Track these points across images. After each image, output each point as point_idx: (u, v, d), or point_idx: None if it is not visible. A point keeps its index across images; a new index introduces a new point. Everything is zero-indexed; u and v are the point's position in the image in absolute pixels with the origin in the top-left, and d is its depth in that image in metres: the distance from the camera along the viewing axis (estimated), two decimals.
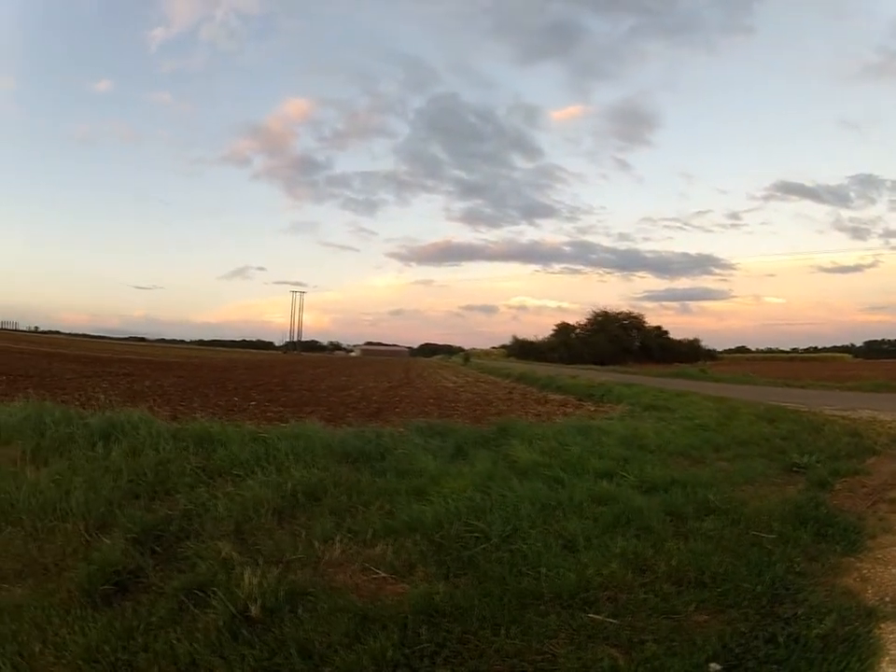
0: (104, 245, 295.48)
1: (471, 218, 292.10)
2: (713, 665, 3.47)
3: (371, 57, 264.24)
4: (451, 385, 34.59)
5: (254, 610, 4.01)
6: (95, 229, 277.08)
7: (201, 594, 4.29)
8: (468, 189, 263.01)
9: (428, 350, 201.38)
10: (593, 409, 19.56)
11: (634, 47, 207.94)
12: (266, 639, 3.73)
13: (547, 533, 5.62)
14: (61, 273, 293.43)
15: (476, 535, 5.52)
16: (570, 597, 4.39)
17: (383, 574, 4.80)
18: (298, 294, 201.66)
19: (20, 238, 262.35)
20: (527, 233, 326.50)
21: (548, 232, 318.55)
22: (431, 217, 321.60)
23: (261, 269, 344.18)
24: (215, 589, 4.26)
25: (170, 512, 5.99)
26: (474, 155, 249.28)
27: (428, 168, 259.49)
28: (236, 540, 5.32)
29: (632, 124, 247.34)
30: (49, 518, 5.84)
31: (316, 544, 5.27)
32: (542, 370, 49.31)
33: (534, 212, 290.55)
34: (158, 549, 5.18)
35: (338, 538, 5.35)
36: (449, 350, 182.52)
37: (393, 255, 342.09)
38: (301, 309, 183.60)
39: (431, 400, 21.67)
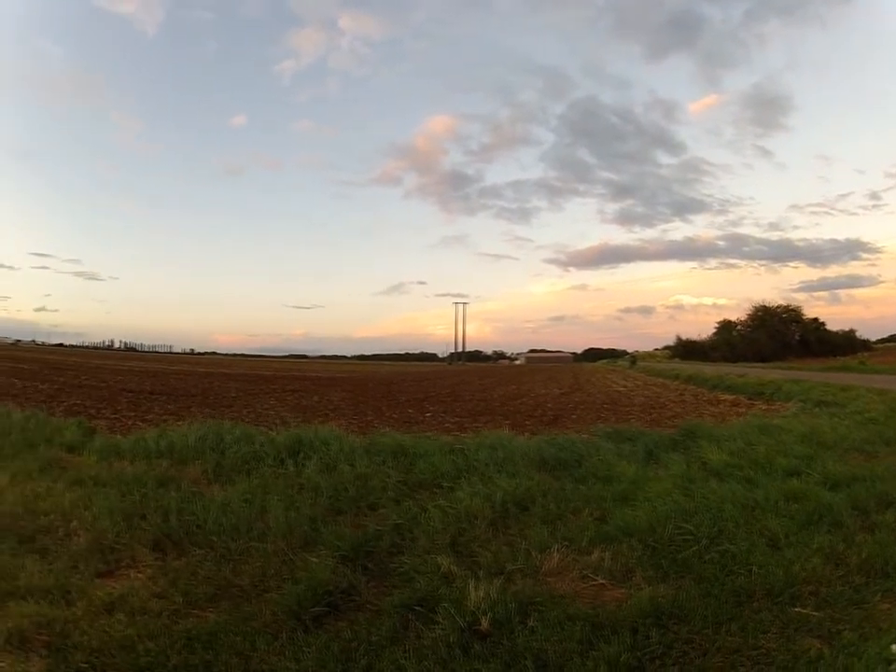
0: (259, 270, 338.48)
1: (625, 219, 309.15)
2: (894, 647, 3.75)
3: (506, 69, 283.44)
4: (622, 389, 35.84)
5: (484, 623, 4.11)
6: (249, 254, 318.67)
7: (421, 609, 4.43)
8: (619, 190, 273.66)
9: (592, 355, 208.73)
10: (765, 407, 20.50)
11: (752, 30, 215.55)
12: (499, 652, 3.87)
13: (751, 532, 6.03)
14: (216, 297, 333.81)
15: (685, 537, 5.86)
16: (779, 593, 4.73)
17: (601, 581, 5.06)
18: (460, 305, 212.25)
19: (174, 266, 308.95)
20: (681, 230, 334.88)
21: (701, 228, 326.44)
22: (586, 221, 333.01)
23: (422, 283, 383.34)
24: (438, 604, 4.42)
25: (379, 528, 6.22)
26: (620, 155, 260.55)
27: (578, 172, 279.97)
28: (452, 553, 5.53)
29: (766, 109, 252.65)
30: (244, 538, 6.15)
31: (534, 553, 5.49)
32: (710, 370, 50.89)
33: (685, 208, 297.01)
34: (369, 566, 5.42)
35: (555, 546, 5.61)
36: (612, 354, 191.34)
37: (551, 261, 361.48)
38: (463, 320, 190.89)
39: (606, 405, 22.55)
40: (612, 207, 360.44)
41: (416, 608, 4.48)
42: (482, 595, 4.41)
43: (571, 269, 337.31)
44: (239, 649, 4.10)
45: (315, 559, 5.52)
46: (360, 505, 7.19)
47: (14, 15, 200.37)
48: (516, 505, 6.87)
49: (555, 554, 5.45)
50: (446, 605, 4.38)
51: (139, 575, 5.58)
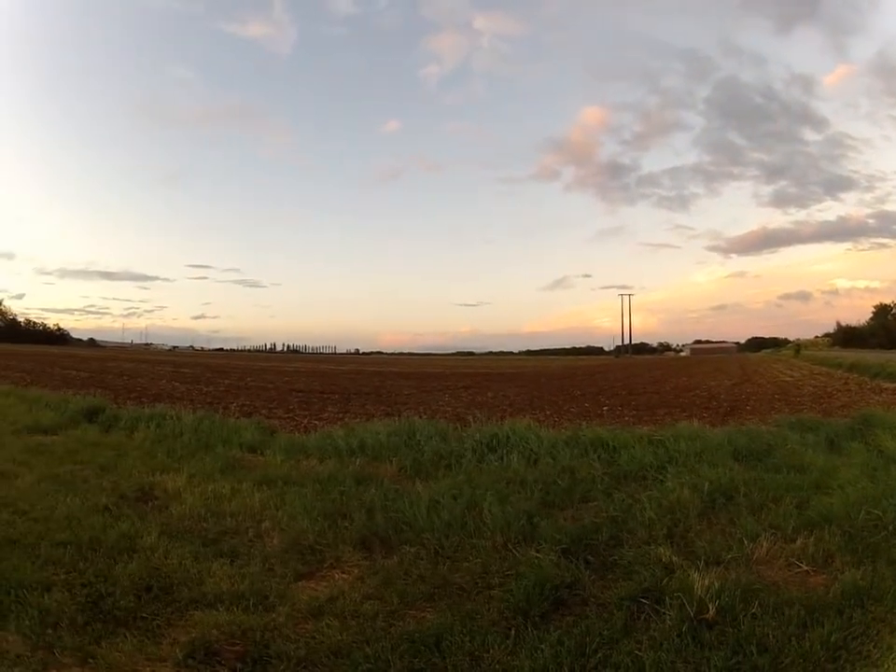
0: (422, 269, 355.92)
1: (780, 201, 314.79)
2: None
3: (647, 55, 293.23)
4: (789, 379, 36.96)
5: (711, 612, 4.34)
6: (413, 255, 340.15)
7: (646, 601, 4.62)
8: (771, 171, 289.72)
9: (755, 344, 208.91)
10: None
11: None
12: (725, 639, 4.10)
13: None
14: (380, 298, 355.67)
15: (874, 522, 6.19)
16: None
17: (805, 567, 5.40)
18: (625, 297, 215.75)
19: (336, 269, 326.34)
20: (833, 209, 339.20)
21: (851, 206, 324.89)
22: (743, 205, 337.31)
23: (587, 276, 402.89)
24: (663, 595, 4.64)
25: (595, 520, 6.44)
26: (769, 135, 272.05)
27: (730, 155, 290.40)
28: (669, 544, 5.75)
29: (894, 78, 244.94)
30: (457, 535, 6.31)
31: (745, 542, 5.73)
32: (871, 357, 51.90)
33: (835, 186, 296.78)
34: (590, 559, 5.59)
35: (762, 535, 5.91)
36: (774, 343, 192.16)
37: (712, 248, 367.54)
38: (629, 311, 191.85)
39: (777, 396, 23.52)
40: (766, 190, 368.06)
41: (641, 599, 4.65)
42: (706, 584, 4.61)
43: (732, 255, 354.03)
44: (468, 649, 4.14)
45: (537, 554, 5.60)
46: (572, 498, 7.39)
47: (149, 45, 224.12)
48: (722, 494, 7.12)
49: (764, 543, 5.73)
50: (673, 595, 4.56)
51: (344, 576, 5.65)
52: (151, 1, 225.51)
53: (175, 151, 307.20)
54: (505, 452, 9.48)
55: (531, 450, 9.49)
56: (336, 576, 5.68)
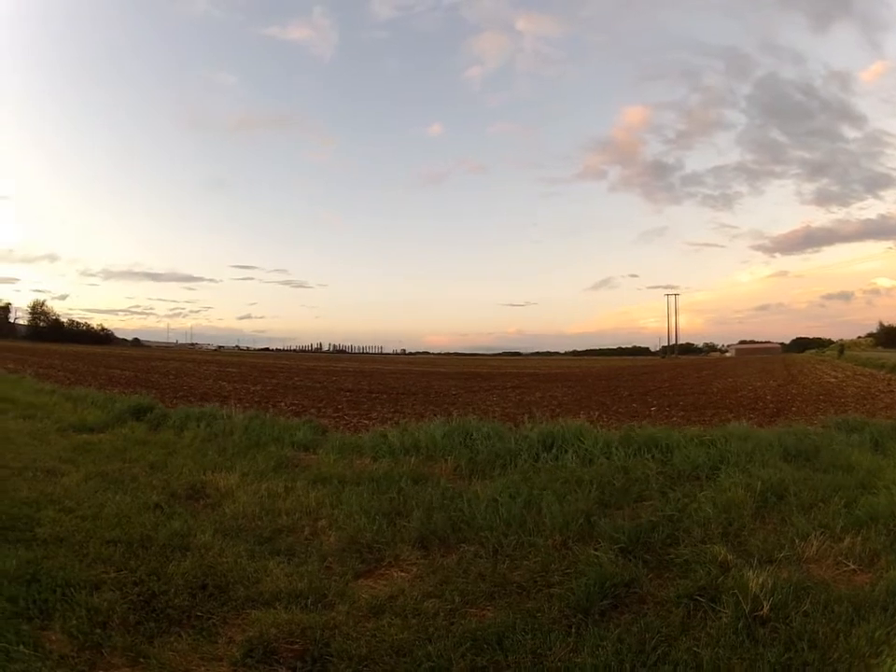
0: (468, 270, 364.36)
1: (822, 199, 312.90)
2: None
3: (687, 53, 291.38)
4: (833, 380, 37.41)
5: (765, 609, 4.49)
6: (458, 256, 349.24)
7: (702, 599, 4.76)
8: (813, 170, 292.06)
9: (799, 345, 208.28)
10: None
11: None
12: (778, 636, 4.24)
13: None
14: (427, 299, 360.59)
15: None
16: None
17: (852, 566, 5.58)
18: (671, 297, 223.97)
19: (383, 270, 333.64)
20: (874, 207, 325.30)
21: (892, 203, 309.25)
22: (786, 204, 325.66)
23: (633, 276, 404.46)
24: (719, 593, 4.81)
25: (652, 519, 6.56)
26: (809, 133, 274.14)
27: (773, 153, 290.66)
28: (724, 542, 5.89)
29: None
30: (516, 533, 6.39)
31: (796, 541, 5.92)
32: None
33: (875, 183, 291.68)
34: (647, 557, 5.75)
35: (812, 534, 6.08)
36: (818, 343, 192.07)
37: (756, 247, 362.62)
38: (675, 312, 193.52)
39: (821, 397, 24.07)
40: (809, 188, 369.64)
41: (698, 597, 4.79)
42: (760, 582, 4.75)
43: (776, 255, 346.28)
44: (530, 647, 4.20)
45: (596, 552, 5.74)
46: (628, 497, 7.54)
47: (191, 52, 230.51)
48: (773, 494, 7.28)
49: (814, 542, 5.90)
50: (729, 593, 4.72)
51: (403, 574, 5.70)
52: (192, 9, 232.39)
53: (221, 156, 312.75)
54: (560, 451, 9.65)
55: (585, 449, 9.65)
56: (395, 574, 5.73)
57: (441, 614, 4.78)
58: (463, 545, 6.25)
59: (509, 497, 7.28)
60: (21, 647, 4.12)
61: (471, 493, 7.61)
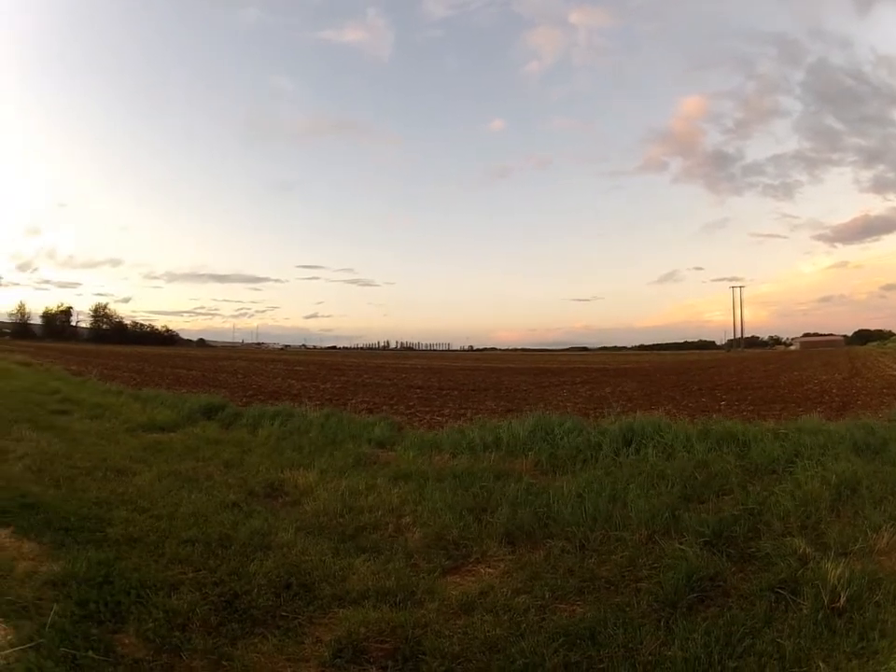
0: (534, 266, 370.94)
1: (880, 187, 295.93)
2: None
3: (739, 41, 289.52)
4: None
5: (842, 601, 4.65)
6: (524, 252, 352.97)
7: (783, 591, 4.92)
8: (869, 157, 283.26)
9: (862, 337, 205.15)
10: None
11: None
12: (853, 626, 4.38)
13: None
14: (493, 295, 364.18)
15: None
16: None
17: None
18: (737, 289, 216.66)
19: (449, 268, 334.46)
20: None
21: None
22: (844, 192, 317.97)
23: (698, 268, 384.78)
24: (799, 585, 4.99)
25: (734, 513, 6.69)
26: (862, 119, 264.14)
27: (829, 140, 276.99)
28: (803, 535, 6.05)
29: None
30: (602, 528, 6.53)
31: (869, 534, 6.01)
32: None
33: None
34: (731, 551, 5.86)
35: (884, 527, 6.12)
36: (880, 335, 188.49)
37: (818, 237, 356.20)
38: (741, 304, 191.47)
39: (885, 391, 23.90)
40: (866, 175, 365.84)
41: (779, 590, 4.95)
42: (838, 574, 4.90)
43: (837, 245, 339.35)
44: (621, 641, 4.31)
45: (681, 546, 5.84)
46: (710, 491, 7.64)
47: (248, 59, 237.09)
48: (847, 487, 7.35)
49: (885, 534, 5.98)
50: (809, 586, 4.89)
51: (490, 570, 5.77)
52: (246, 17, 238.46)
53: (287, 160, 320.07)
54: (639, 445, 9.79)
55: (665, 444, 9.79)
56: (482, 570, 5.83)
57: (532, 610, 4.85)
58: (549, 540, 6.33)
59: (594, 491, 7.39)
60: (90, 652, 4.11)
61: (555, 488, 7.70)
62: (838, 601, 4.64)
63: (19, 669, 3.82)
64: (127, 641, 4.36)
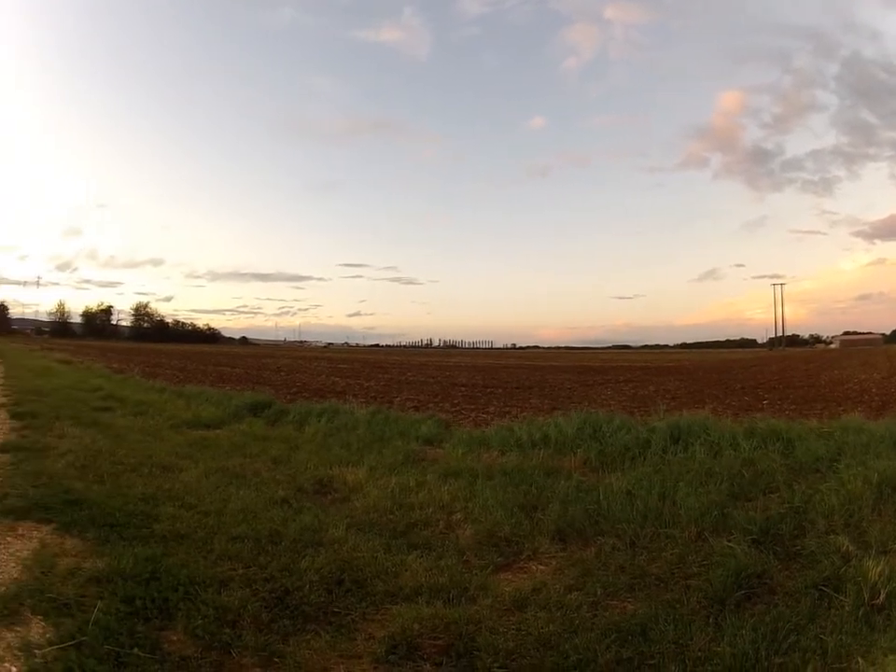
0: (576, 263, 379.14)
1: None
2: None
3: (773, 35, 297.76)
4: None
5: (881, 598, 4.75)
6: (565, 250, 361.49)
7: (826, 588, 5.04)
8: None
9: None
10: None
11: None
12: (891, 622, 4.47)
13: None
14: (536, 293, 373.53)
15: None
16: None
17: None
18: (778, 286, 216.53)
19: (491, 266, 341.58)
20: None
21: None
22: (882, 187, 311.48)
23: (739, 266, 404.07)
24: (841, 583, 5.08)
25: (780, 511, 6.81)
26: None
27: (866, 135, 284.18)
28: (846, 533, 6.13)
29: None
30: (652, 525, 6.61)
31: None
32: None
33: None
34: (777, 548, 5.94)
35: None
36: None
37: (857, 234, 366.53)
38: (781, 302, 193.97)
39: None
40: None
41: (822, 587, 5.06)
42: (879, 571, 5.00)
43: (876, 241, 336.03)
44: (672, 637, 4.38)
45: (730, 544, 5.92)
46: (757, 489, 7.76)
47: (285, 60, 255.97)
48: (889, 486, 7.33)
49: None
50: (851, 583, 4.99)
51: (542, 567, 5.86)
52: (280, 18, 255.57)
53: (323, 158, 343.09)
54: (687, 443, 9.88)
55: (712, 441, 9.88)
56: (534, 567, 5.94)
57: (585, 607, 4.94)
58: (600, 538, 6.44)
59: (643, 489, 7.52)
60: (136, 650, 4.16)
61: (605, 485, 7.81)
62: (878, 598, 4.75)
63: (57, 668, 3.89)
64: (174, 638, 4.43)
